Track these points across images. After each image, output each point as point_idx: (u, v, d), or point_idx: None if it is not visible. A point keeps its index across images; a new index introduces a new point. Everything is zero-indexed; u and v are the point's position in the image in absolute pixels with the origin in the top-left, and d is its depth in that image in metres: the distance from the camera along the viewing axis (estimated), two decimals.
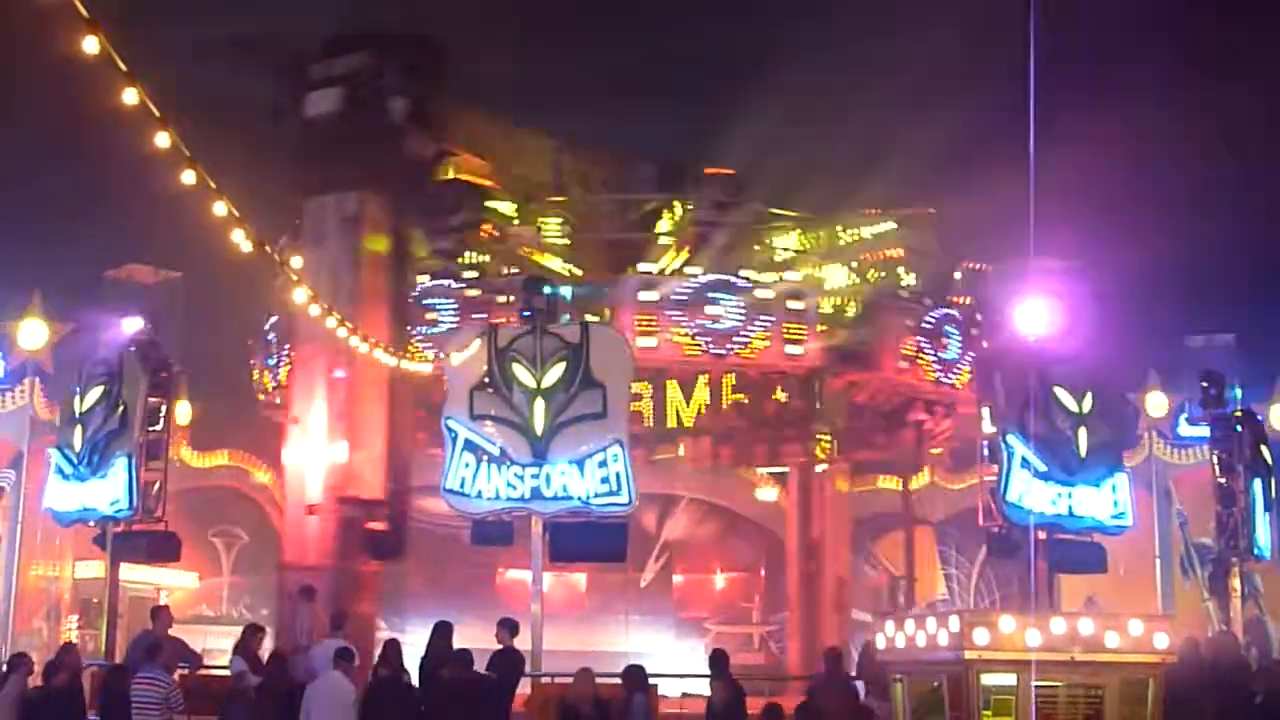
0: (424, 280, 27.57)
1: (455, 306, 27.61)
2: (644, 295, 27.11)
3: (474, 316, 26.48)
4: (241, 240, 14.84)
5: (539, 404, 20.55)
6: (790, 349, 27.54)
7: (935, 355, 28.97)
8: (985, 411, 21.85)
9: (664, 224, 30.24)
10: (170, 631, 18.39)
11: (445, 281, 27.93)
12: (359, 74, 23.10)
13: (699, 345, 27.12)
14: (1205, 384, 25.24)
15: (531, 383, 20.63)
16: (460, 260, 28.49)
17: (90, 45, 10.13)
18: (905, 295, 29.73)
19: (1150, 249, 36.37)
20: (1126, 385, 26.46)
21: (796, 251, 30.61)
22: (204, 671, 20.13)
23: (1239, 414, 25.34)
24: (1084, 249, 28.00)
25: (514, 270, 27.86)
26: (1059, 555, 21.52)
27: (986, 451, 21.77)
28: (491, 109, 29.86)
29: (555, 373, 20.61)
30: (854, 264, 30.35)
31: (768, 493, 37.54)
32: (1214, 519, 25.10)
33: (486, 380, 20.80)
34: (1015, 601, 30.25)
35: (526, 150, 30.93)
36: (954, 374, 29.03)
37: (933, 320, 29.10)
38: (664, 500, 37.36)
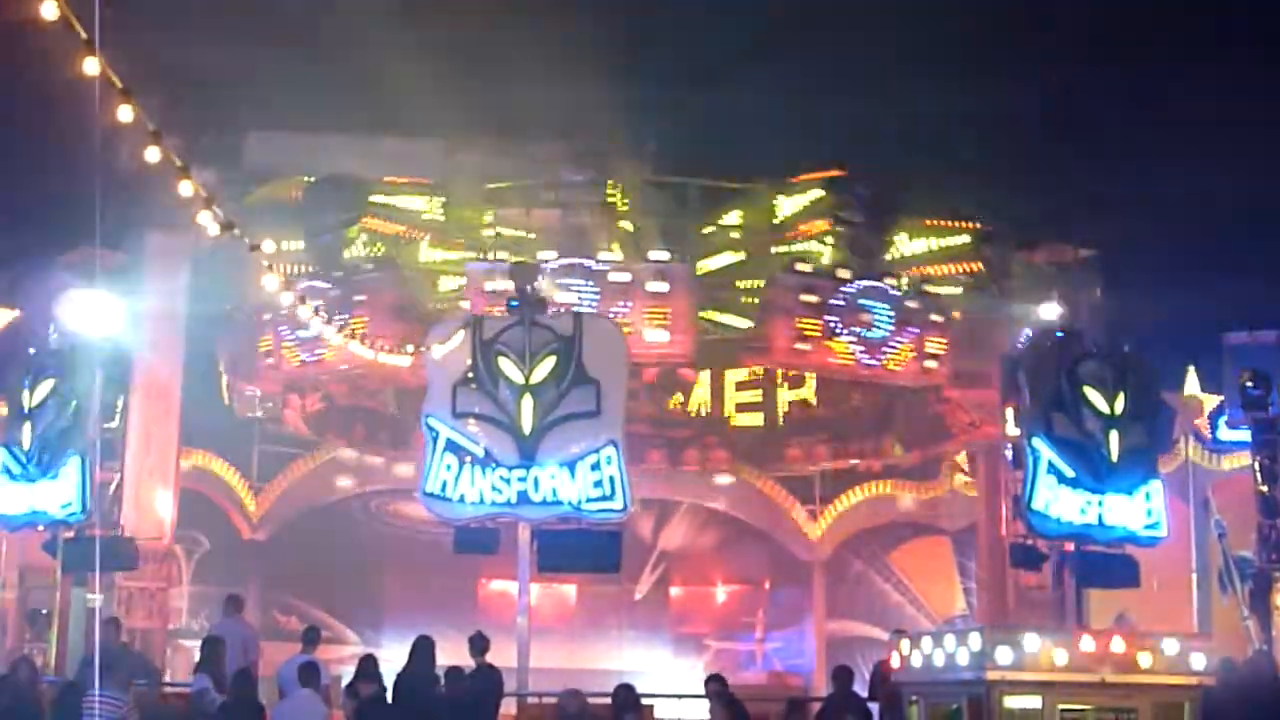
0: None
1: None
2: (806, 298, 24.73)
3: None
4: (209, 222, 14.83)
5: (527, 401, 20.51)
6: (929, 364, 25.27)
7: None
8: (1009, 413, 21.94)
9: (732, 216, 27.55)
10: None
11: None
12: None
13: (852, 355, 25.06)
14: (1247, 384, 25.29)
15: (519, 378, 20.59)
16: None
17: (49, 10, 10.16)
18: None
19: (1190, 236, 36.38)
20: (1162, 384, 26.29)
21: (927, 253, 27.51)
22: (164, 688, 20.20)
23: None
24: (1117, 235, 27.78)
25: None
26: (1087, 569, 21.61)
27: (1010, 456, 21.87)
28: None
29: (545, 367, 20.58)
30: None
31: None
32: (1255, 531, 25.16)
33: (470, 375, 20.77)
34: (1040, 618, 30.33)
35: None
36: None
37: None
38: (661, 506, 37.38)
